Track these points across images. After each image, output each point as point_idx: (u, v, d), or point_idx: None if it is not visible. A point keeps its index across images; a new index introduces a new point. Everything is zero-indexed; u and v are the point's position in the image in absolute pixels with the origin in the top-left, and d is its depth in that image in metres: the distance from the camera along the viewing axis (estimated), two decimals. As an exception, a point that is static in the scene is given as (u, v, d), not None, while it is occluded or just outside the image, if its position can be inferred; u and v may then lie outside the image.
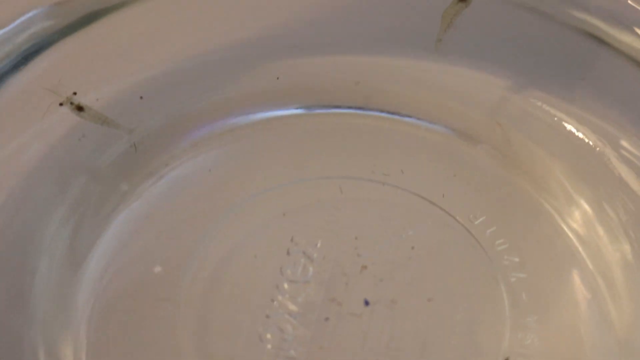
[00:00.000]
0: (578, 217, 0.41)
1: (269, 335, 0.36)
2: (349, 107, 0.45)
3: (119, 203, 0.40)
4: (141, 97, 0.42)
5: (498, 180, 0.42)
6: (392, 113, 0.44)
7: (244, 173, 0.42)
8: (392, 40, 0.44)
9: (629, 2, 0.41)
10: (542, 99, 0.43)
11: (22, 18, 0.40)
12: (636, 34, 0.41)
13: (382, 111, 0.44)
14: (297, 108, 0.44)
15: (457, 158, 0.42)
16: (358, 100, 0.44)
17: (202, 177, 0.42)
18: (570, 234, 0.40)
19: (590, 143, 0.42)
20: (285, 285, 0.38)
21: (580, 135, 0.42)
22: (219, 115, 0.43)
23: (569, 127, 0.42)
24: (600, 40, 0.41)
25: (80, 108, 0.40)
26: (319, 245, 0.39)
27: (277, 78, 0.44)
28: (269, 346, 0.36)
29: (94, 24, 0.41)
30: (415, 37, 0.44)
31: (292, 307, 0.37)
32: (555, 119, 0.43)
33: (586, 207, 0.41)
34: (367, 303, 0.37)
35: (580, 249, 0.40)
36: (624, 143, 0.41)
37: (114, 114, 0.41)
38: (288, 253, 0.39)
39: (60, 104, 0.40)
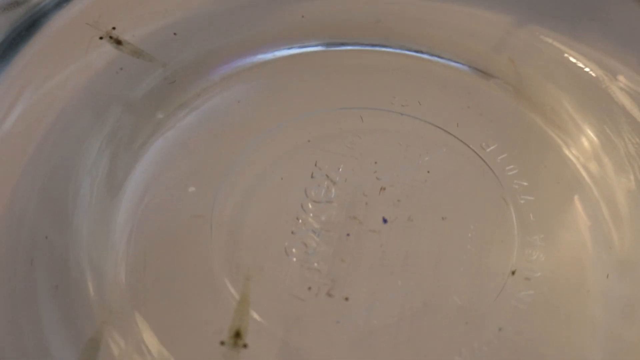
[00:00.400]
0: (584, 147, 0.44)
1: (294, 250, 0.39)
2: (370, 45, 0.47)
3: (154, 132, 0.43)
4: (175, 34, 0.45)
5: (509, 112, 0.44)
6: (410, 50, 0.47)
7: (270, 104, 0.44)
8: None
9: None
10: (551, 37, 0.45)
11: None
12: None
13: (401, 48, 0.46)
14: (319, 45, 0.47)
15: (471, 91, 0.45)
16: (378, 38, 0.47)
17: (232, 108, 0.44)
18: (576, 163, 0.43)
19: (597, 77, 0.44)
20: (310, 205, 0.41)
21: (587, 70, 0.45)
22: (247, 51, 0.46)
23: (576, 62, 0.45)
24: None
25: (118, 42, 0.43)
26: (340, 169, 0.42)
27: (302, 16, 0.46)
28: (294, 259, 0.39)
29: None
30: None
31: (316, 224, 0.40)
32: (564, 55, 0.45)
33: (592, 137, 0.44)
34: (385, 221, 0.40)
35: (585, 176, 0.43)
36: (628, 77, 0.44)
37: (149, 49, 0.44)
38: (312, 176, 0.42)
39: (100, 38, 0.43)
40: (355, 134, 0.43)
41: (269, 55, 0.46)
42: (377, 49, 0.47)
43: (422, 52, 0.46)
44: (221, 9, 0.46)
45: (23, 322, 0.36)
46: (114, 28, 0.43)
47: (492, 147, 0.43)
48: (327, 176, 0.42)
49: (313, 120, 0.44)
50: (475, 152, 0.43)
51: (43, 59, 0.42)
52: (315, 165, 0.42)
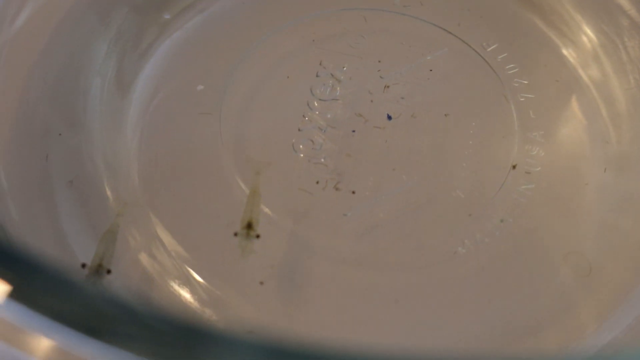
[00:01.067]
0: (583, 47, 0.45)
1: (301, 146, 0.41)
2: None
3: (161, 33, 0.44)
4: None
5: (510, 13, 0.45)
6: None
7: (274, 5, 0.45)
8: None
9: None
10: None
11: None
12: None
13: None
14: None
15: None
16: None
17: (236, 9, 0.45)
18: (574, 62, 0.44)
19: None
20: (315, 103, 0.42)
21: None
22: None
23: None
24: None
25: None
26: (345, 68, 0.43)
27: None
28: (302, 155, 0.40)
29: None
30: None
31: (322, 122, 0.41)
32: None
33: (592, 37, 0.45)
34: (389, 117, 0.41)
35: (583, 75, 0.44)
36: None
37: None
38: (317, 75, 0.42)
39: None
40: (359, 34, 0.44)
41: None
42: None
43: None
44: None
45: (41, 216, 0.37)
46: None
47: (492, 47, 0.44)
48: (332, 75, 0.42)
49: (316, 21, 0.45)
50: (476, 51, 0.44)
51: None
52: (320, 64, 0.43)
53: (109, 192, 0.39)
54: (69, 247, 0.36)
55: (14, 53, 0.40)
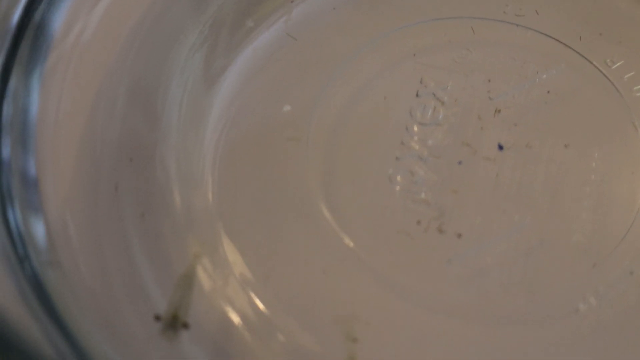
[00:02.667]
0: None
1: (398, 177, 0.36)
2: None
3: (244, 38, 0.39)
4: None
5: (638, 25, 0.39)
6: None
7: (369, 12, 0.40)
8: None
9: None
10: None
11: None
12: None
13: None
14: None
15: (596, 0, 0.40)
16: None
17: (327, 15, 0.40)
18: None
19: None
20: (415, 128, 0.37)
21: None
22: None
23: None
24: None
25: None
26: (449, 87, 0.38)
27: None
28: (398, 188, 0.36)
29: None
30: None
31: (423, 150, 0.36)
32: None
33: None
34: (501, 147, 0.36)
35: None
36: None
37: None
38: (417, 95, 0.38)
39: None
40: (465, 47, 0.39)
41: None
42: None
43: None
44: None
45: (110, 257, 0.33)
46: None
47: (618, 64, 0.38)
48: (434, 95, 0.38)
49: (417, 31, 0.40)
50: (599, 69, 0.38)
51: None
52: (421, 82, 0.38)
53: (184, 227, 0.34)
54: (141, 294, 0.32)
55: (81, 68, 0.36)
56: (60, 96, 0.36)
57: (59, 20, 0.36)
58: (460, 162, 0.36)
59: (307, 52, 0.39)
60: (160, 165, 0.36)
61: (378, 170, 0.36)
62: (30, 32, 0.35)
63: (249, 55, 0.39)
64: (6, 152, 0.34)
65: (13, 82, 0.34)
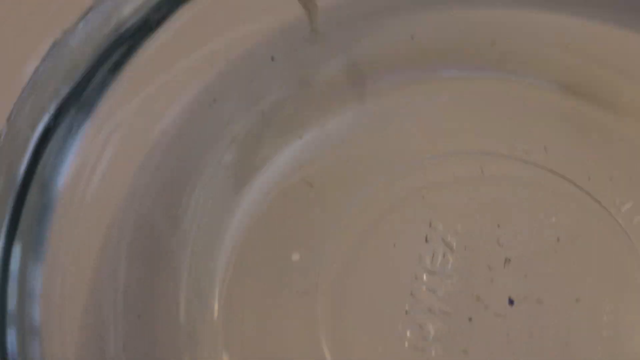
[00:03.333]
0: None
1: (408, 333, 0.35)
2: (482, 71, 0.41)
3: (255, 171, 0.38)
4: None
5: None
6: (531, 78, 0.41)
7: (375, 147, 0.39)
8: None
9: None
10: None
11: None
12: None
13: (520, 76, 0.41)
14: (428, 71, 0.41)
15: (605, 133, 0.39)
16: (493, 63, 0.41)
17: (333, 150, 0.39)
18: None
19: None
20: (425, 277, 0.36)
21: None
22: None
23: None
24: None
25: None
26: (458, 230, 0.37)
27: (412, 37, 0.40)
28: (407, 344, 0.35)
29: None
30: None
31: (433, 302, 0.36)
32: None
33: None
34: (511, 302, 0.36)
35: None
36: None
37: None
38: (426, 240, 0.37)
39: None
40: (474, 186, 0.38)
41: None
42: (492, 75, 0.41)
43: (545, 81, 0.40)
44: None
45: None
46: None
47: (627, 206, 0.38)
48: (443, 240, 0.37)
49: (425, 167, 0.39)
50: (608, 211, 0.38)
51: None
52: (430, 225, 0.37)
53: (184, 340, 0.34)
54: None
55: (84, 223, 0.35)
56: (65, 252, 0.34)
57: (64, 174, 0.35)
58: (470, 319, 0.35)
59: (312, 190, 0.38)
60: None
61: (388, 325, 0.36)
62: (34, 188, 0.33)
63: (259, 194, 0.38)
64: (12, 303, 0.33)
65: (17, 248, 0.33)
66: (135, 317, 0.35)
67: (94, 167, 0.35)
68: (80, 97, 0.34)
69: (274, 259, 0.36)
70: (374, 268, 0.37)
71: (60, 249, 0.34)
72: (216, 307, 0.37)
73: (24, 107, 0.33)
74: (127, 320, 0.35)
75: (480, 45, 0.40)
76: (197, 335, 0.36)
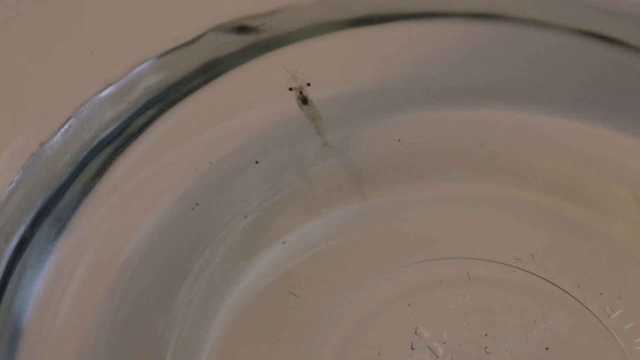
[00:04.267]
0: None
1: None
2: (470, 172, 0.41)
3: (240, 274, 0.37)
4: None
5: (636, 266, 0.38)
6: (519, 180, 0.40)
7: (360, 252, 0.39)
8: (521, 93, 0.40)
9: None
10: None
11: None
12: None
13: (509, 177, 0.40)
14: (414, 173, 0.40)
15: (594, 238, 0.39)
16: (481, 165, 0.40)
17: (316, 253, 0.38)
18: None
19: None
20: (410, 388, 0.35)
21: None
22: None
23: None
24: None
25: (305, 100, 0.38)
26: (444, 339, 0.36)
27: (399, 140, 0.40)
28: None
29: None
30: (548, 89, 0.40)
31: (418, 414, 0.35)
32: None
33: None
34: (498, 415, 0.35)
35: None
36: None
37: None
38: (412, 347, 0.36)
39: (290, 89, 0.38)
40: (461, 291, 0.38)
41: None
42: (479, 177, 0.40)
43: (531, 184, 0.40)
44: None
45: None
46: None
47: (617, 312, 0.37)
48: (430, 348, 0.36)
49: (412, 273, 0.38)
50: (598, 318, 0.37)
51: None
52: (415, 332, 0.36)
53: None
54: None
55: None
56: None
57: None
58: None
59: (300, 299, 0.37)
60: None
61: None
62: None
63: (238, 293, 0.37)
64: None
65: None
66: None
67: (68, 280, 0.34)
68: (55, 209, 0.34)
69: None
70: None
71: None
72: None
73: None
74: None
75: (469, 146, 0.40)
76: None
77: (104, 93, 0.35)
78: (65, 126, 0.33)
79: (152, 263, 0.36)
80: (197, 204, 0.37)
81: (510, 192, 0.40)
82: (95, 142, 0.35)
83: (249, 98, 0.38)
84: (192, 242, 0.37)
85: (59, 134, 0.33)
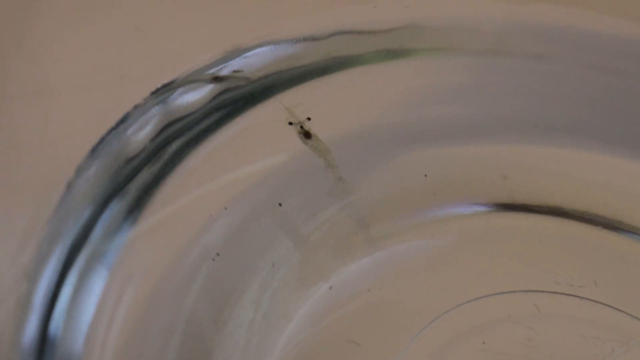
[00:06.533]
0: None
1: None
2: (494, 206, 0.38)
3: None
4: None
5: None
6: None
7: (408, 295, 0.35)
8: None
9: None
10: None
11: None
12: None
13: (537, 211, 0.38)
14: (444, 208, 0.38)
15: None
16: (503, 197, 0.38)
17: (361, 298, 0.34)
18: None
19: None
20: None
21: None
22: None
23: None
24: None
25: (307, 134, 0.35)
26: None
27: (425, 175, 0.37)
28: None
29: None
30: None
31: None
32: None
33: None
34: None
35: None
36: None
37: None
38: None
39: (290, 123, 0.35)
40: (528, 324, 0.34)
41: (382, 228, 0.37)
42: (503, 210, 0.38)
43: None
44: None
45: None
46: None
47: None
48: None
49: (471, 312, 0.34)
50: (673, 340, 0.34)
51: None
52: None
53: None
54: None
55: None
56: None
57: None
58: None
59: (333, 343, 0.33)
60: None
61: None
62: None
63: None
64: None
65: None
66: None
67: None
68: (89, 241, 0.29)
69: None
70: None
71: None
72: None
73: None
74: None
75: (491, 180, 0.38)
76: None
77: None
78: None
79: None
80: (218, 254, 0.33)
81: (542, 222, 0.38)
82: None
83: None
84: (224, 293, 0.33)
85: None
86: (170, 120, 0.34)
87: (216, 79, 0.34)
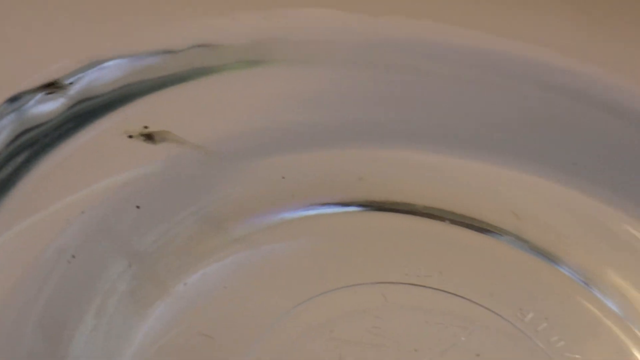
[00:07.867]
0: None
1: None
2: (350, 206, 0.40)
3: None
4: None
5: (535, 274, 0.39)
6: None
7: (266, 287, 0.36)
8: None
9: None
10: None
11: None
12: None
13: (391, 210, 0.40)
14: (304, 209, 0.40)
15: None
16: (361, 198, 0.40)
17: (217, 295, 0.36)
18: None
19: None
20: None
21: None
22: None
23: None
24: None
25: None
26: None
27: (283, 177, 0.39)
28: None
29: None
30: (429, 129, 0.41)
31: None
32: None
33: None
34: None
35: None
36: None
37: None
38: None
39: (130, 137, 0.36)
40: (377, 315, 0.36)
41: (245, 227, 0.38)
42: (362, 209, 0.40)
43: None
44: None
45: None
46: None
47: (529, 316, 0.37)
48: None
49: (321, 304, 0.36)
50: (512, 324, 0.37)
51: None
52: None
53: None
54: None
55: None
56: None
57: None
58: None
59: (195, 337, 0.34)
60: None
61: None
62: None
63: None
64: None
65: None
66: None
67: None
68: None
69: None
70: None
71: None
72: None
73: None
74: None
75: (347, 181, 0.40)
76: None
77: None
78: None
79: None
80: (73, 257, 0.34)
81: (395, 220, 0.40)
82: None
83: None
84: (72, 297, 0.34)
85: None
86: (26, 128, 0.35)
87: (63, 88, 0.36)
